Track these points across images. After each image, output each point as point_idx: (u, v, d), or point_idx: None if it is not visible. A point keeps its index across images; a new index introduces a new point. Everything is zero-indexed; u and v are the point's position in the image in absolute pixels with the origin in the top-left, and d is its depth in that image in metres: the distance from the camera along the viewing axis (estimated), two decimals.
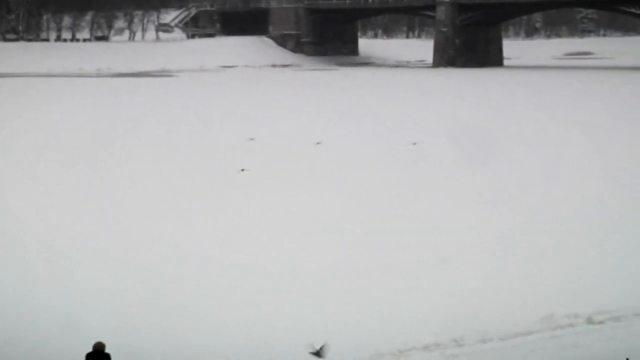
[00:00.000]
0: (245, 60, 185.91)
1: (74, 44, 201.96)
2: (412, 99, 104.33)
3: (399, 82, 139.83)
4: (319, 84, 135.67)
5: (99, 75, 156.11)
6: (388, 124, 74.60)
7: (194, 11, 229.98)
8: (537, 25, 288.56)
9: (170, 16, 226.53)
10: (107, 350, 18.10)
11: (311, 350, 21.96)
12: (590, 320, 25.63)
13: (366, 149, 59.66)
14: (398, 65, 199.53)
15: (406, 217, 39.99)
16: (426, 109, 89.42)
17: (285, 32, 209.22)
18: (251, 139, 62.80)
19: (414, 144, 61.27)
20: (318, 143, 60.96)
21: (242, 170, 49.62)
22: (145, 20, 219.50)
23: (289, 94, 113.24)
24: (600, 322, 25.51)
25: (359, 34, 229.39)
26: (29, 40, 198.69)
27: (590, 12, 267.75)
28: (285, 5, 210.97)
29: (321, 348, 21.92)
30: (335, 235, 36.37)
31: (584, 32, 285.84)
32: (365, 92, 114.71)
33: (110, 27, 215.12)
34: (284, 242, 35.13)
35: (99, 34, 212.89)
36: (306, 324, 25.21)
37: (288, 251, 33.81)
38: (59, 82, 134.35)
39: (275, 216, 39.47)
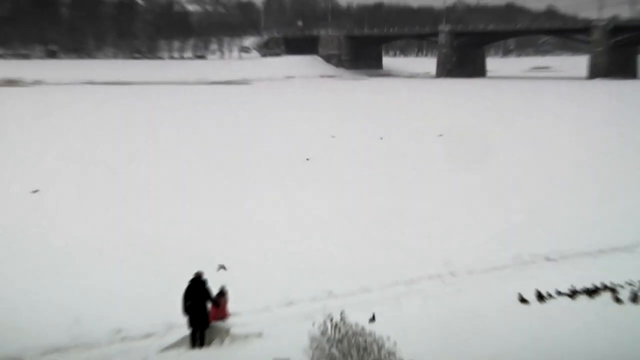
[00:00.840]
0: (302, 72, 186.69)
1: (181, 61, 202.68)
2: (421, 97, 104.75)
3: (411, 86, 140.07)
4: (358, 88, 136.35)
5: (198, 82, 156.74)
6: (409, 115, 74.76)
7: (266, 37, 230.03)
8: (511, 47, 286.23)
9: (249, 41, 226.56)
10: None
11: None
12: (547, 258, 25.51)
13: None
14: (411, 75, 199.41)
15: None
16: (431, 104, 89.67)
17: (330, 52, 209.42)
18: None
19: (441, 135, 58.85)
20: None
21: (307, 159, 46.64)
22: (231, 44, 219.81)
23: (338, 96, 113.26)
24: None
25: (383, 53, 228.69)
26: (149, 58, 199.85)
27: (549, 39, 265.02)
28: (330, 34, 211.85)
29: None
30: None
31: (544, 52, 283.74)
32: (389, 92, 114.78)
33: (206, 48, 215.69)
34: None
35: (199, 53, 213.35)
36: (352, 253, 25.16)
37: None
38: (169, 87, 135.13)
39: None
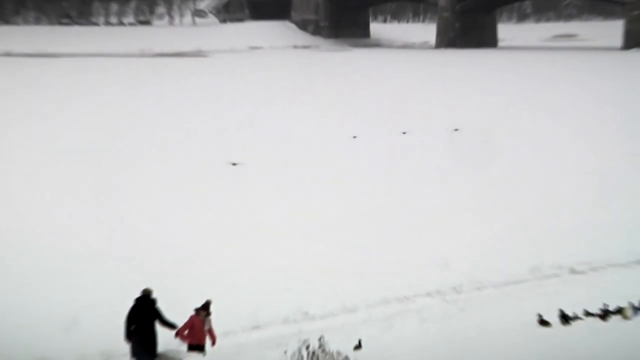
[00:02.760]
0: (270, 42, 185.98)
1: (120, 27, 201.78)
2: (415, 75, 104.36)
3: (405, 59, 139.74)
4: (338, 62, 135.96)
5: (141, 55, 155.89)
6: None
7: None
8: (528, 11, 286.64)
9: (204, 3, 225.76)
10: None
11: None
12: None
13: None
14: (404, 46, 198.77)
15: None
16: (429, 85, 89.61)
17: (306, 17, 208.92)
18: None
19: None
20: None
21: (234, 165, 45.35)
22: (182, 7, 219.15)
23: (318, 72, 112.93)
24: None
25: (371, 18, 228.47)
26: (81, 24, 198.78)
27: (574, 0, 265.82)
28: None
29: None
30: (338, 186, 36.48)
31: (569, 17, 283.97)
32: (378, 68, 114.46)
33: (152, 12, 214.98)
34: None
35: (142, 18, 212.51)
36: (332, 265, 25.38)
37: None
38: (104, 61, 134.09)
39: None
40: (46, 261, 27.02)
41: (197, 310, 18.22)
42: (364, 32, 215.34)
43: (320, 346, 12.61)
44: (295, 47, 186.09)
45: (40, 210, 34.49)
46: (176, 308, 18.88)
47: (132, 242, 29.44)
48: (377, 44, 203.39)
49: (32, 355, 19.38)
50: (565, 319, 19.08)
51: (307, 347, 12.60)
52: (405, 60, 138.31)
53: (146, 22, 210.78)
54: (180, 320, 18.15)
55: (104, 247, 28.71)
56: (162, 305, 18.16)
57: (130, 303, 17.92)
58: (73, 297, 23.22)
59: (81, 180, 40.05)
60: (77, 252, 27.96)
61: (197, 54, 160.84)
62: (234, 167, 43.85)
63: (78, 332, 20.70)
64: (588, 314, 19.44)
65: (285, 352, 12.78)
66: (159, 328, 18.00)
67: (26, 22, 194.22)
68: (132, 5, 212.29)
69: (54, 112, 63.98)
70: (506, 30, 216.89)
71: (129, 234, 30.54)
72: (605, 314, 19.25)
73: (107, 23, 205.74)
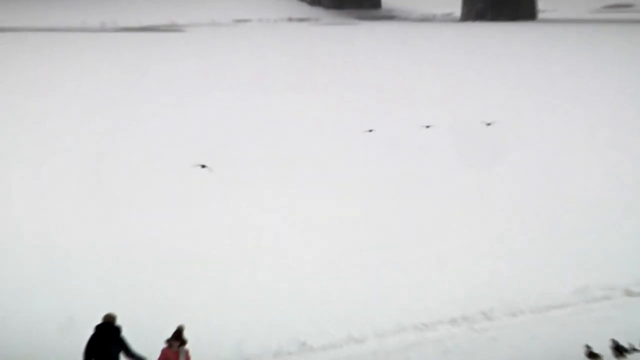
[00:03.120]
0: (259, 13, 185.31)
1: None
2: (438, 57, 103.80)
3: (425, 36, 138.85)
4: (342, 40, 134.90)
5: (102, 29, 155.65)
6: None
7: None
8: None
9: None
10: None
11: None
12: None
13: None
14: (423, 18, 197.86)
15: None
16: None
17: None
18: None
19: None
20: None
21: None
22: None
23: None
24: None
25: None
26: None
27: None
28: None
29: None
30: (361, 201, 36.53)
31: None
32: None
33: None
34: None
35: None
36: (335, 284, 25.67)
37: None
38: (57, 37, 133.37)
39: None
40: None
41: (169, 341, 18.27)
42: (374, 2, 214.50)
43: None
44: (290, 19, 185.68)
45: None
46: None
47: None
48: (390, 16, 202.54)
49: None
50: (618, 350, 19.07)
51: None
52: (424, 37, 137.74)
53: None
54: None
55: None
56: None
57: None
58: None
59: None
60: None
61: (171, 28, 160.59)
62: (206, 170, 42.93)
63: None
64: None
65: None
66: None
67: None
68: None
69: None
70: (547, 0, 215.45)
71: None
72: None
73: None
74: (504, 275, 27.21)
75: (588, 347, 19.15)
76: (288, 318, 23.17)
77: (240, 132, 53.62)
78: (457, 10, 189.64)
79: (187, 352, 18.42)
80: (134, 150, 49.63)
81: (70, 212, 36.87)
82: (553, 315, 23.99)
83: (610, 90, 69.85)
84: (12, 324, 23.96)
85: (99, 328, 17.86)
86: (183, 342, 18.35)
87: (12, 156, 48.30)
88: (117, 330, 17.89)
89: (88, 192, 40.66)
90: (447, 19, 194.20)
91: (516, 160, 46.48)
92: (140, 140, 52.33)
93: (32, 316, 24.47)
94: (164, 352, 18.23)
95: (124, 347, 17.87)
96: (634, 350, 19.10)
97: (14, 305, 25.44)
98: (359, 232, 31.96)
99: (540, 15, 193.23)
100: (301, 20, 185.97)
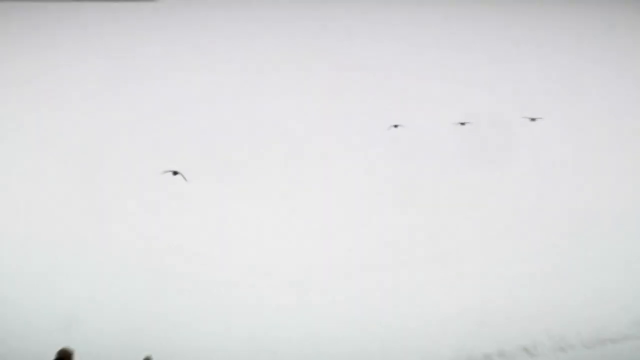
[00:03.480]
0: None
1: None
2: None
3: None
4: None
5: None
6: None
7: None
8: None
9: None
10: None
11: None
12: None
13: None
14: None
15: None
16: None
17: None
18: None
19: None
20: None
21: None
22: None
23: None
24: None
25: None
26: None
27: None
28: None
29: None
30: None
31: None
32: None
33: None
34: None
35: None
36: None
37: None
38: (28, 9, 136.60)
39: None
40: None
41: None
42: None
43: None
44: None
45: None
46: None
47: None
48: None
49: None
50: None
51: None
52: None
53: None
54: None
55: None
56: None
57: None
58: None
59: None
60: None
61: None
62: (177, 178, 42.39)
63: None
64: None
65: None
66: None
67: None
68: None
69: None
70: None
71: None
72: None
73: None
74: (549, 304, 25.35)
75: None
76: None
77: (239, 130, 52.57)
78: None
79: None
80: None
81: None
82: (609, 351, 22.64)
83: None
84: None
85: None
86: None
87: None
88: None
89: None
90: None
91: (566, 163, 44.18)
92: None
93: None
94: None
95: None
96: None
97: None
98: (373, 257, 29.97)
99: None
100: None
